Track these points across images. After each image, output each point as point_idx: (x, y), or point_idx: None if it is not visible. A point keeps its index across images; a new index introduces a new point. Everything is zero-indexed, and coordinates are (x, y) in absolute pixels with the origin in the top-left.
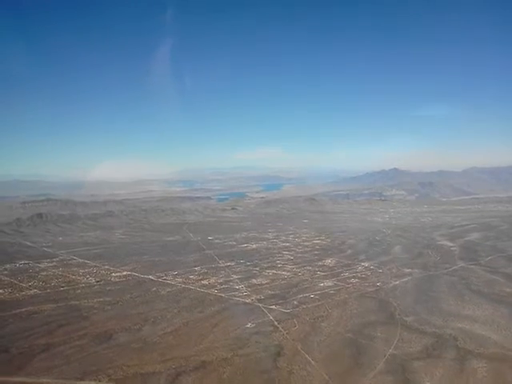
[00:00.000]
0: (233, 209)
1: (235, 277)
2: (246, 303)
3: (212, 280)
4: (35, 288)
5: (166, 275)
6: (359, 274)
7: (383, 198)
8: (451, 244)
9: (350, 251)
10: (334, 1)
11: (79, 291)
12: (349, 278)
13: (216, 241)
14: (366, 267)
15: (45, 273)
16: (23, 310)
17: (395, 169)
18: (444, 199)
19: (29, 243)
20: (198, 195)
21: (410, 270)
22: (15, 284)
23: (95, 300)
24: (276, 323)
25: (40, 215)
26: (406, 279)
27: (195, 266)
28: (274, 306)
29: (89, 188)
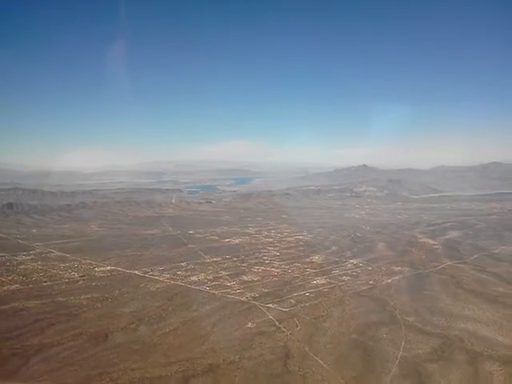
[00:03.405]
0: (208, 202)
1: (224, 273)
2: (241, 301)
3: (201, 276)
4: (16, 283)
5: (152, 270)
6: (350, 272)
7: (354, 194)
8: (433, 242)
9: (334, 248)
10: None
11: (64, 287)
12: (340, 275)
13: (197, 235)
14: (354, 264)
15: (23, 266)
16: (7, 306)
17: (364, 165)
18: (415, 196)
19: (2, 234)
20: (168, 187)
21: (399, 268)
22: None
23: (82, 296)
24: (277, 323)
25: (10, 205)
26: (397, 277)
27: (181, 262)
28: (271, 305)
29: (55, 178)
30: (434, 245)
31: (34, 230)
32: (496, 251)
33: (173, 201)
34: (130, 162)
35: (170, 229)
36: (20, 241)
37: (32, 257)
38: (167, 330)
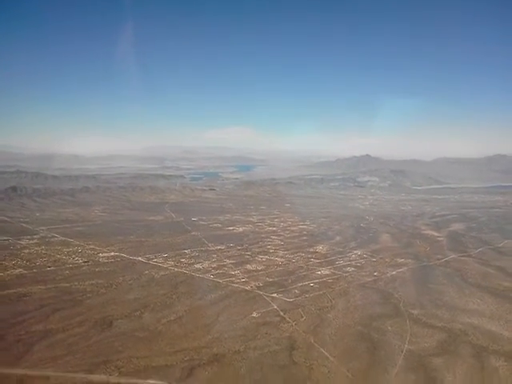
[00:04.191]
0: (211, 189)
1: (228, 261)
2: (246, 290)
3: (205, 264)
4: (20, 267)
5: (155, 257)
6: (354, 263)
7: (357, 184)
8: (437, 234)
9: (338, 238)
10: None
11: (67, 272)
12: (344, 266)
13: (201, 222)
14: (358, 255)
15: (27, 251)
16: (11, 291)
17: (367, 155)
18: (418, 187)
19: (6, 218)
20: (171, 173)
21: (403, 259)
22: None
23: (87, 282)
24: (282, 313)
25: (14, 188)
26: (401, 269)
27: (184, 249)
28: (275, 295)
29: (57, 161)
30: (437, 237)
31: (38, 214)
32: (500, 245)
33: (176, 187)
34: (132, 147)
35: (174, 215)
36: (24, 224)
37: (36, 241)
38: (172, 318)
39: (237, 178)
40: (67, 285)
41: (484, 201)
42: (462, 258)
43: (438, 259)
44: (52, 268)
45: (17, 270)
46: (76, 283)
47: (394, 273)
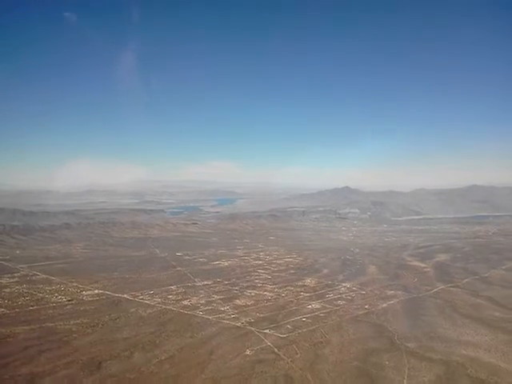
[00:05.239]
0: (194, 223)
1: (216, 297)
2: (237, 327)
3: (193, 300)
4: (1, 307)
5: (141, 294)
6: (344, 296)
7: (339, 216)
8: (423, 265)
9: (326, 271)
10: None
11: (51, 311)
12: (335, 299)
13: (185, 257)
14: (348, 288)
15: (8, 290)
16: None
17: (347, 187)
18: (398, 219)
19: None
20: (151, 208)
21: (392, 291)
22: None
23: (72, 322)
24: (276, 350)
25: None
26: (392, 302)
27: (171, 285)
28: (267, 331)
29: (32, 197)
30: (424, 268)
31: (18, 251)
32: (486, 275)
33: (158, 221)
34: (109, 181)
35: (157, 250)
36: (3, 262)
37: (17, 279)
38: (163, 357)
39: (218, 212)
40: (52, 325)
41: (465, 231)
42: (451, 289)
43: (427, 290)
44: (35, 307)
45: None
46: (61, 323)
47: (384, 305)
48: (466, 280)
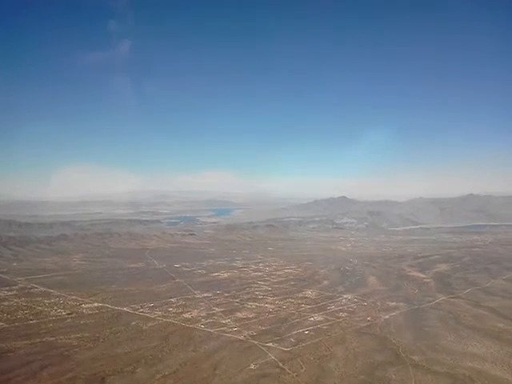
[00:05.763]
0: (191, 234)
1: (217, 310)
2: (240, 340)
3: (194, 313)
4: (1, 321)
5: (141, 307)
6: (345, 308)
7: (336, 226)
8: (423, 275)
9: (326, 282)
10: None
11: (51, 325)
12: (336, 311)
13: (184, 269)
14: (349, 300)
15: (7, 303)
16: None
17: (343, 197)
18: (395, 228)
19: None
20: (147, 218)
21: (394, 303)
22: None
23: (72, 336)
24: (281, 364)
25: None
26: (394, 313)
27: (171, 297)
28: (270, 344)
29: (29, 208)
30: (424, 278)
31: (15, 264)
32: (487, 285)
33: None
34: (103, 191)
35: (156, 262)
36: (1, 275)
37: (15, 292)
38: (166, 372)
39: (215, 222)
40: (52, 339)
41: (463, 240)
42: (452, 300)
43: (429, 301)
44: (34, 321)
45: None
46: (61, 337)
47: (387, 317)
48: (467, 290)
